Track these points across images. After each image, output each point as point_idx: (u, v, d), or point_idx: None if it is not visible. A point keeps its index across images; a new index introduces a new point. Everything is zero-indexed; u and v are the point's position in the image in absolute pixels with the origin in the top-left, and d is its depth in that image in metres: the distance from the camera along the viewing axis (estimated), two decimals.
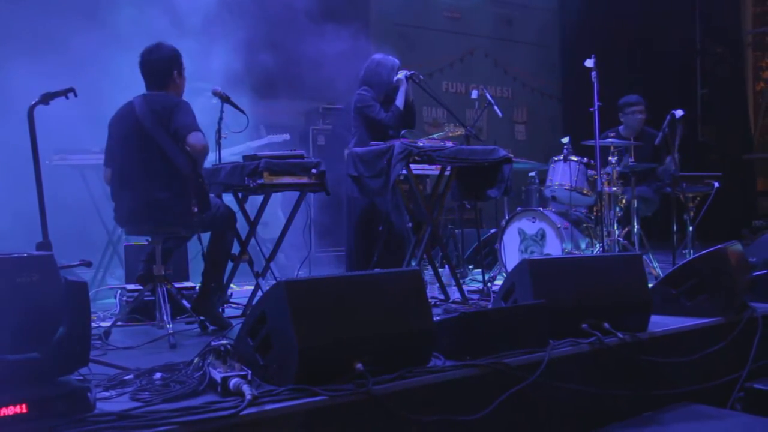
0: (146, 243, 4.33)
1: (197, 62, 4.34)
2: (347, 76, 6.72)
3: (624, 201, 6.15)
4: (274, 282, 3.21)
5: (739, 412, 3.68)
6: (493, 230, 7.04)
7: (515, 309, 3.40)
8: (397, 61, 5.53)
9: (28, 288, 2.23)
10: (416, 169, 5.32)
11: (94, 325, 3.90)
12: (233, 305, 4.99)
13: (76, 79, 3.68)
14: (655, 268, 5.98)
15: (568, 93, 11.32)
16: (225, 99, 4.71)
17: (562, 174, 6.21)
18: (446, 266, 5.38)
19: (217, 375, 2.57)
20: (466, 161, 4.96)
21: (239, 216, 4.58)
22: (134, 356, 3.43)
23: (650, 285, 3.91)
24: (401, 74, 5.43)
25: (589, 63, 5.86)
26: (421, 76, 5.50)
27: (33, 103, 3.40)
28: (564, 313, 3.41)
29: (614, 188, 5.99)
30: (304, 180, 4.52)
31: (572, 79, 10.42)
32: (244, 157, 4.60)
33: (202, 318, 4.15)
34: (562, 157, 6.24)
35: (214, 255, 4.32)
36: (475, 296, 5.26)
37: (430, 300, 3.41)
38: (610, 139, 6.26)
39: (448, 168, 5.15)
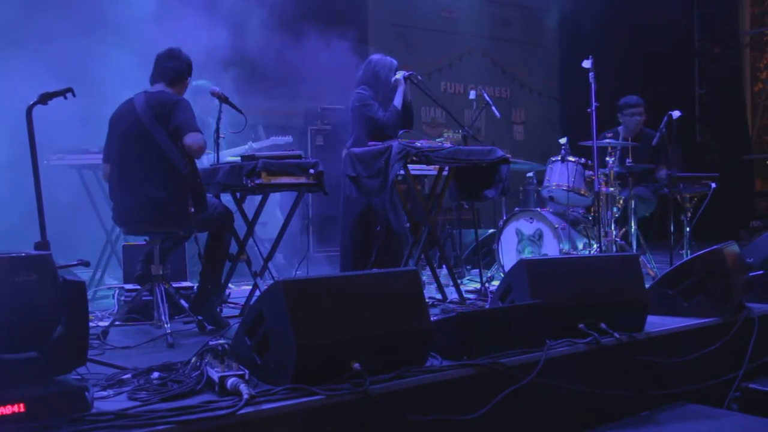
0: (144, 243, 4.33)
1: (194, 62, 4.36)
2: (346, 76, 6.73)
3: (621, 201, 6.16)
4: (272, 282, 3.22)
5: (735, 412, 3.69)
6: (490, 230, 7.04)
7: (512, 309, 3.40)
8: (395, 62, 5.53)
9: (27, 287, 2.23)
10: (414, 169, 5.33)
11: (92, 324, 3.89)
12: (231, 305, 5.00)
13: (72, 78, 3.69)
14: (653, 268, 5.98)
15: (566, 93, 11.33)
16: (223, 99, 4.72)
17: (560, 174, 6.22)
18: (444, 266, 5.39)
19: (215, 374, 2.58)
20: (463, 161, 4.97)
21: (237, 216, 4.58)
22: (132, 356, 3.44)
23: (647, 285, 3.92)
24: (399, 74, 5.43)
25: (587, 64, 5.87)
26: (419, 77, 5.50)
27: (31, 103, 3.40)
28: (561, 313, 3.42)
29: (611, 189, 6.00)
30: (302, 180, 4.53)
31: (570, 79, 10.44)
32: (243, 157, 4.61)
33: (199, 318, 4.15)
34: (559, 158, 6.25)
35: (212, 255, 4.33)
36: (473, 296, 5.27)
37: (427, 300, 3.42)
38: (607, 140, 6.27)
39: (446, 168, 5.16)
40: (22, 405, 2.16)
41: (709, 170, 6.72)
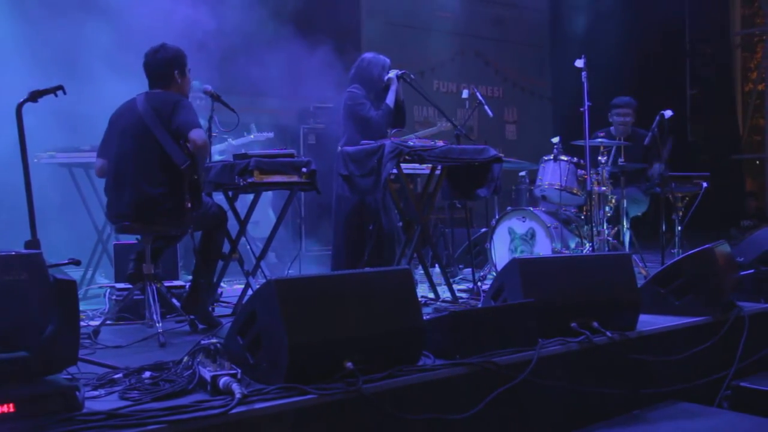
0: (135, 242, 4.32)
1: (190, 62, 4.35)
2: (338, 74, 6.72)
3: (613, 201, 6.17)
4: (264, 281, 3.21)
5: (726, 410, 3.70)
6: (483, 229, 7.05)
7: (505, 308, 3.40)
8: (388, 60, 5.53)
9: (17, 286, 2.22)
10: (407, 168, 5.33)
11: (83, 323, 3.89)
12: (223, 304, 4.98)
13: (64, 76, 3.67)
14: (644, 267, 6.00)
15: (559, 93, 11.36)
16: (216, 98, 4.71)
17: (552, 174, 6.23)
18: (436, 265, 5.39)
19: (207, 374, 2.57)
20: (456, 161, 4.97)
21: (229, 215, 4.57)
22: (123, 355, 3.42)
23: (639, 284, 3.92)
24: (392, 73, 5.42)
25: (580, 63, 5.88)
26: (412, 75, 5.50)
27: (21, 100, 3.38)
28: (553, 312, 3.42)
29: (604, 188, 6.01)
30: (295, 179, 4.52)
31: (562, 79, 10.46)
32: (235, 156, 4.60)
33: (192, 317, 4.14)
34: (552, 157, 6.26)
35: (205, 254, 4.32)
36: (465, 295, 5.28)
37: (420, 299, 3.42)
38: (599, 140, 6.28)
39: (439, 167, 5.16)
40: (12, 405, 2.15)
41: (700, 170, 6.74)
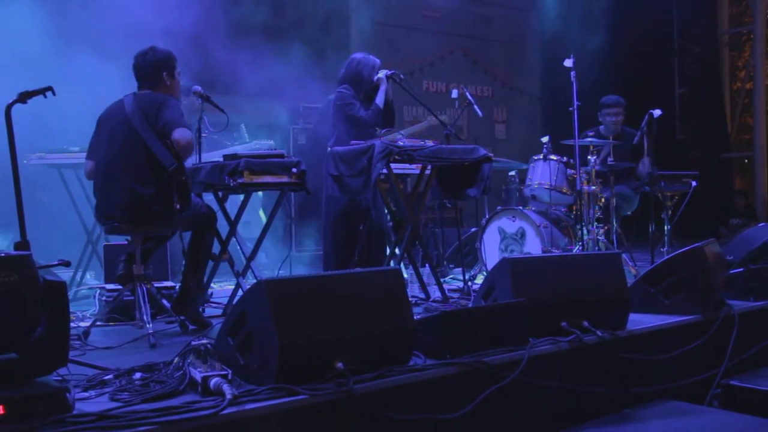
0: (125, 243, 4.30)
1: (180, 63, 4.34)
2: (328, 74, 6.72)
3: (603, 200, 6.19)
4: (254, 281, 3.20)
5: (716, 408, 3.72)
6: (473, 229, 7.06)
7: (495, 308, 3.41)
8: (378, 61, 5.53)
9: (6, 288, 2.20)
10: (397, 168, 5.33)
11: (72, 325, 3.85)
12: (214, 305, 4.98)
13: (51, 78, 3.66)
14: (634, 266, 6.02)
15: (548, 92, 11.39)
16: (205, 99, 4.70)
17: (542, 173, 6.25)
18: (427, 265, 5.39)
19: (198, 375, 2.57)
20: (446, 160, 4.98)
21: (219, 215, 4.57)
22: (114, 356, 3.41)
23: (629, 283, 3.94)
24: (382, 73, 5.43)
25: (569, 63, 5.91)
26: (401, 76, 5.51)
27: (10, 101, 3.37)
28: (543, 312, 3.43)
29: (593, 187, 6.03)
30: (285, 179, 4.51)
31: (551, 78, 10.50)
32: (225, 156, 4.59)
33: (182, 317, 4.13)
34: (541, 157, 6.28)
35: (195, 254, 4.32)
36: (456, 295, 5.28)
37: (410, 299, 3.42)
38: (589, 139, 6.30)
39: (429, 167, 5.16)
40: (1, 407, 2.13)
41: (689, 168, 6.78)
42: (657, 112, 6.16)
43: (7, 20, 5.91)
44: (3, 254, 2.26)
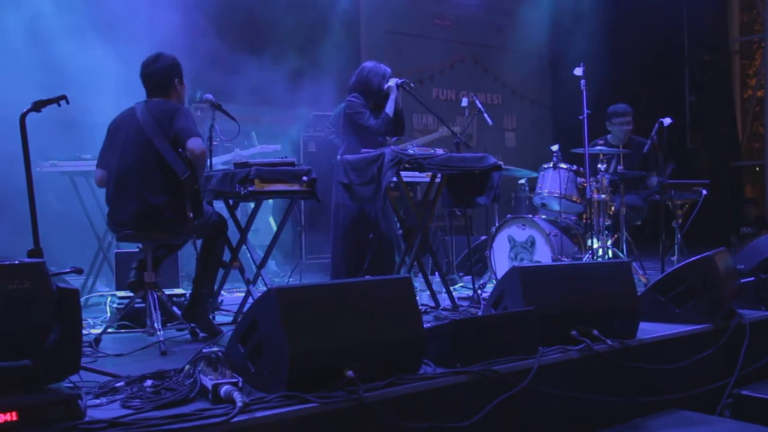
0: (137, 250, 4.32)
1: (192, 72, 4.36)
2: (338, 83, 6.74)
3: (613, 209, 6.18)
4: (264, 289, 3.21)
5: (727, 418, 3.70)
6: (483, 237, 7.06)
7: (505, 316, 3.41)
8: (389, 70, 5.54)
9: (20, 295, 2.22)
10: (407, 176, 5.34)
11: (84, 332, 3.87)
12: (224, 312, 4.99)
13: (64, 86, 3.69)
14: (644, 275, 6.00)
15: (558, 101, 11.38)
16: (216, 107, 4.73)
17: (552, 181, 6.24)
18: (436, 273, 5.39)
19: (208, 382, 2.58)
20: (456, 168, 4.98)
21: (230, 223, 4.58)
22: (125, 363, 3.43)
23: (639, 292, 3.93)
24: (392, 82, 5.44)
25: (578, 71, 5.90)
26: (411, 84, 5.51)
27: (25, 110, 3.39)
28: (553, 320, 3.43)
29: (603, 196, 6.01)
30: (295, 187, 4.53)
31: (561, 86, 10.47)
32: (235, 165, 4.61)
33: (192, 325, 4.14)
34: (551, 165, 6.27)
35: (205, 262, 4.32)
36: (466, 303, 5.27)
37: (420, 307, 3.43)
38: (598, 147, 6.29)
39: (439, 175, 5.17)
40: (14, 413, 2.15)
41: (699, 177, 6.75)
42: (667, 121, 6.14)
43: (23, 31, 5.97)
44: (17, 262, 2.28)
